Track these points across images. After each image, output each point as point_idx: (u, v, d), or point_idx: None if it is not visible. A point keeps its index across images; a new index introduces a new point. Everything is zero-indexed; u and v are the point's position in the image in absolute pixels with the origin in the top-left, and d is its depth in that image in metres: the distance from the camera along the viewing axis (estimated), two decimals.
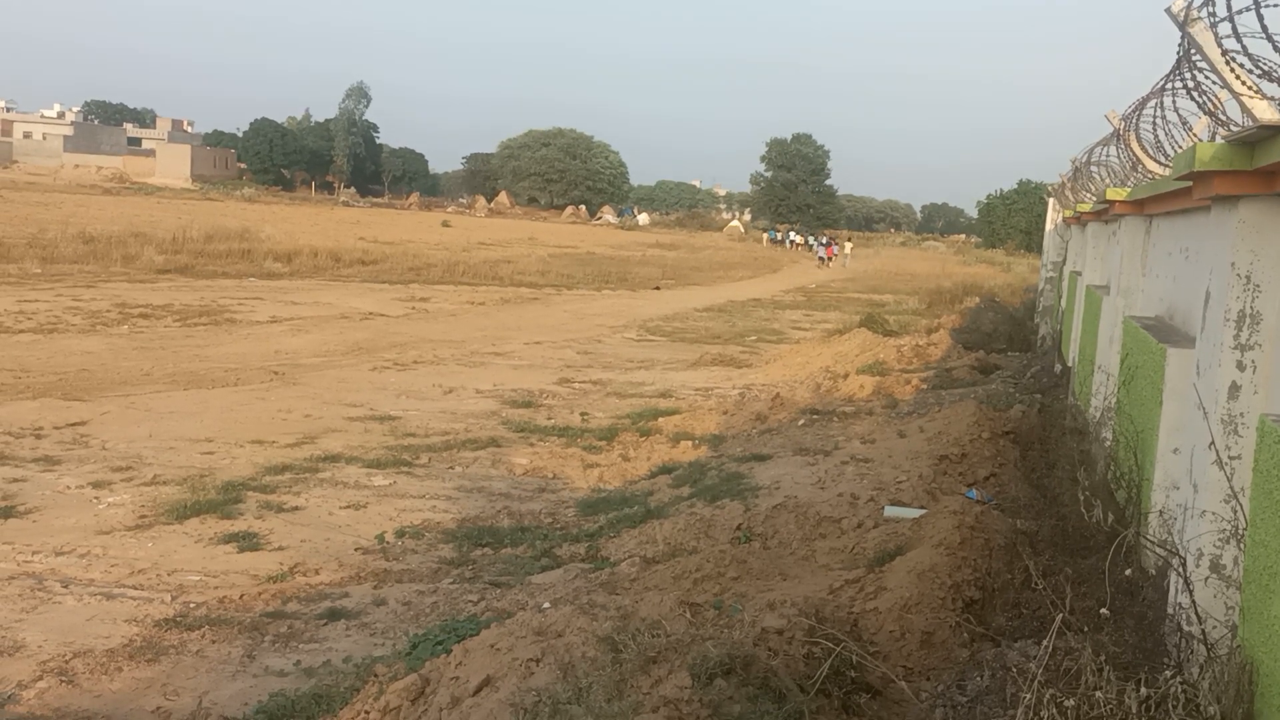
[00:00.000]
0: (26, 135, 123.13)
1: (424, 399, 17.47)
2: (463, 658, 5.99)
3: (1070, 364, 15.20)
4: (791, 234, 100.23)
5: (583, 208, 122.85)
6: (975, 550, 7.11)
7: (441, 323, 27.87)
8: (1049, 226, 26.05)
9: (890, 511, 9.03)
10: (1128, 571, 5.38)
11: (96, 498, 11.08)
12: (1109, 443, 8.98)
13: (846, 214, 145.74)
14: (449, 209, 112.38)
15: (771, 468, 12.07)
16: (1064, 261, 21.96)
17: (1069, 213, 18.81)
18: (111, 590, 8.62)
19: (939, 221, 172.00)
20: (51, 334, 21.32)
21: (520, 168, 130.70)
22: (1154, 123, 7.89)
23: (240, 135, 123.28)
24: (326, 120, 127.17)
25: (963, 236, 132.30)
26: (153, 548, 9.70)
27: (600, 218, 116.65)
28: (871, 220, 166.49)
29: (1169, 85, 6.67)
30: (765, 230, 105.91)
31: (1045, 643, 4.17)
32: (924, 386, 17.28)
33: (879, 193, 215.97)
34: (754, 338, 28.79)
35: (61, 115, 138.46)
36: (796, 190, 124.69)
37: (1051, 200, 25.86)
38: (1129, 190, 10.17)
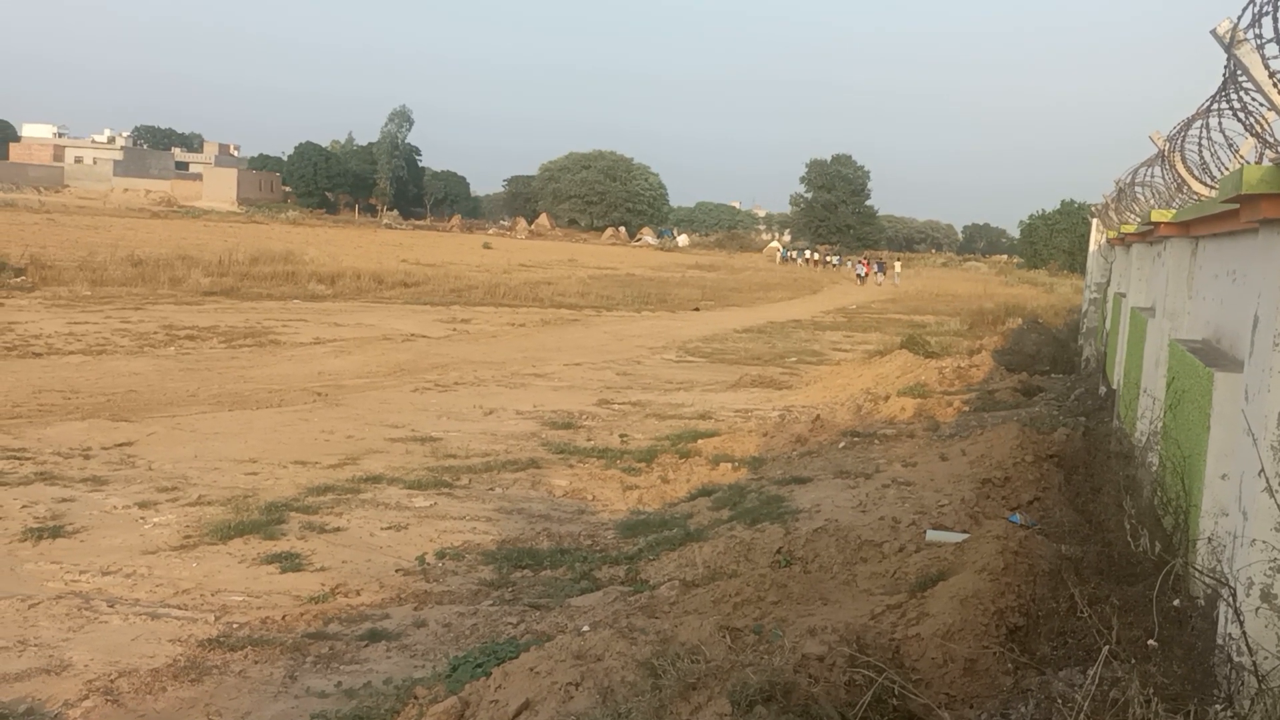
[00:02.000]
0: (78, 160, 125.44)
1: (465, 420, 17.55)
2: (502, 681, 5.98)
3: (1115, 387, 15.01)
4: (806, 251, 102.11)
5: (622, 229, 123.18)
6: (1019, 576, 7.02)
7: (482, 344, 28.03)
8: (1092, 247, 25.79)
9: (932, 535, 8.93)
10: (1176, 601, 5.29)
11: (142, 518, 11.22)
12: (1155, 468, 8.85)
13: (887, 235, 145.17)
14: (490, 231, 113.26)
15: (812, 490, 11.99)
16: (1108, 283, 21.71)
17: (1113, 234, 18.61)
18: (156, 610, 8.71)
19: (980, 242, 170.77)
20: (100, 355, 21.66)
21: (560, 190, 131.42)
22: (1200, 144, 7.80)
23: (285, 159, 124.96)
24: (369, 143, 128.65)
25: (1004, 257, 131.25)
26: (197, 568, 9.79)
27: (640, 239, 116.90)
28: (912, 241, 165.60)
29: (1215, 106, 6.60)
30: (779, 250, 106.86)
31: (1092, 672, 4.11)
32: (966, 409, 17.12)
33: (920, 213, 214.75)
34: (794, 359, 28.69)
35: (112, 140, 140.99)
36: (836, 211, 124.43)
37: (1095, 221, 25.60)
38: (1174, 212, 10.04)
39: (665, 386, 22.58)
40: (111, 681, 7.37)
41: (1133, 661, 4.52)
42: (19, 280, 31.97)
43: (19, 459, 13.21)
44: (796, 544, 9.23)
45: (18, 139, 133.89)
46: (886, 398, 18.89)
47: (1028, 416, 14.62)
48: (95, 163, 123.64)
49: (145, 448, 14.25)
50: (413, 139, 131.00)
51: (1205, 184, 8.32)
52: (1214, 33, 5.08)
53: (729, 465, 14.39)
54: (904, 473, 12.13)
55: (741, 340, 32.74)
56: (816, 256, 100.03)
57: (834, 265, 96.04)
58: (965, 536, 8.59)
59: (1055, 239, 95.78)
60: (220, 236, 60.75)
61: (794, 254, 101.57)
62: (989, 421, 15.07)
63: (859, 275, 77.71)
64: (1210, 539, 6.16)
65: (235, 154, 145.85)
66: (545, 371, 23.68)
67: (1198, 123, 7.71)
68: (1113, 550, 7.57)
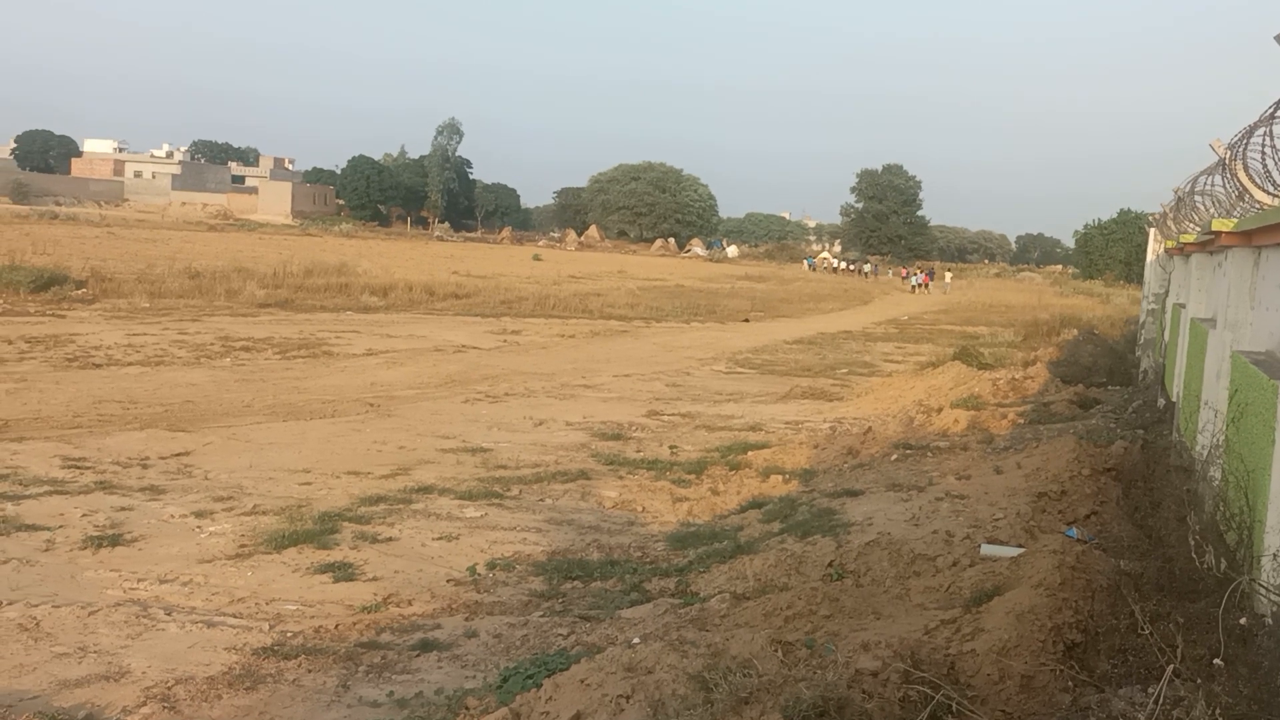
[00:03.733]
0: (137, 174, 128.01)
1: (515, 431, 17.63)
2: (553, 693, 5.98)
3: (1174, 399, 14.74)
4: (834, 260, 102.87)
5: (672, 240, 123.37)
6: (1077, 591, 6.90)
7: (532, 355, 28.15)
8: (1150, 257, 25.39)
9: (987, 550, 8.82)
10: (1242, 619, 5.17)
11: (199, 527, 11.37)
12: (1217, 482, 8.67)
13: (939, 245, 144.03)
14: (540, 242, 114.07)
15: (864, 503, 11.89)
16: (1166, 293, 21.36)
17: (1171, 243, 18.31)
18: (212, 618, 8.82)
19: (1034, 252, 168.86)
20: (158, 366, 22.03)
21: (610, 201, 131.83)
22: (1262, 151, 7.65)
23: (339, 172, 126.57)
24: (421, 157, 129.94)
25: (1059, 267, 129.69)
26: (252, 577, 9.90)
27: (689, 250, 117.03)
28: (965, 251, 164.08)
29: (1278, 113, 6.47)
30: (807, 259, 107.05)
31: (1156, 691, 4.02)
32: (1021, 421, 16.90)
33: (972, 223, 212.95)
34: (845, 370, 28.50)
35: (170, 155, 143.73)
36: (888, 221, 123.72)
37: (1153, 230, 25.21)
38: (1236, 221, 9.86)
39: (715, 398, 22.52)
40: (169, 689, 7.47)
41: (1197, 681, 4.42)
42: (80, 292, 32.62)
43: (79, 468, 13.45)
44: (848, 557, 9.15)
45: (79, 154, 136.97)
46: (939, 410, 18.70)
47: (1084, 429, 14.40)
48: (154, 177, 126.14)
49: (202, 457, 14.46)
50: (464, 152, 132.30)
51: (1268, 192, 8.16)
52: (1277, 38, 4.99)
53: (779, 477, 14.31)
54: (957, 486, 11.99)
55: (792, 351, 32.59)
56: (846, 265, 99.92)
57: (870, 274, 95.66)
58: (1021, 551, 8.46)
59: (1111, 249, 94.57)
60: (275, 249, 61.62)
61: (818, 264, 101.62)
62: (1044, 434, 14.86)
63: (914, 285, 77.63)
64: (1276, 555, 6.02)
65: (290, 168, 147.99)
66: (595, 383, 23.72)
67: (1260, 130, 7.57)
68: (1174, 566, 7.42)
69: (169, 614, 8.85)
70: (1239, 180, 8.94)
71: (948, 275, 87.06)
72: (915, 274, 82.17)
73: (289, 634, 8.55)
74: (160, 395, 18.80)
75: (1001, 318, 48.10)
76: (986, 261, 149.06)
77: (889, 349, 35.28)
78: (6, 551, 10.21)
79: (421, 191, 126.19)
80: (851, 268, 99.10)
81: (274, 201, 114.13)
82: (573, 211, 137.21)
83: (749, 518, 12.14)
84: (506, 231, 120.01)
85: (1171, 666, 4.13)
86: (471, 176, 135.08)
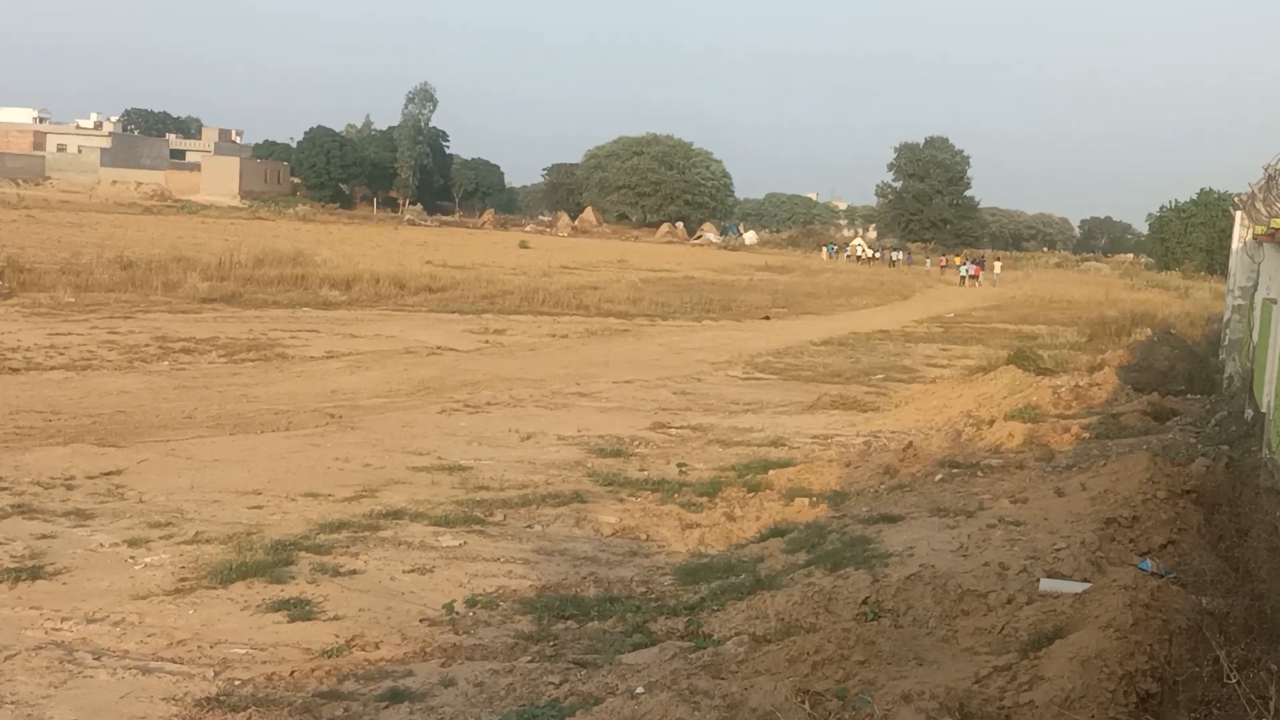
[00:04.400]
0: (60, 148, 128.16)
1: (499, 446, 17.66)
2: None
3: (1265, 410, 14.74)
4: (862, 249, 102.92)
5: (680, 225, 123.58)
6: (1151, 633, 6.91)
7: (518, 358, 28.21)
8: (1235, 245, 25.41)
9: (1047, 585, 8.82)
10: None
11: (132, 557, 11.38)
12: None
13: (990, 230, 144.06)
14: (527, 228, 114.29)
15: (903, 531, 11.90)
16: (1255, 286, 21.37)
17: (1260, 229, 18.31)
18: (148, 663, 8.83)
19: (1101, 238, 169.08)
20: (85, 371, 22.08)
21: (608, 180, 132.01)
22: None
23: (294, 146, 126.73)
24: (389, 128, 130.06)
25: (1130, 256, 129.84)
26: (194, 615, 9.92)
27: (700, 237, 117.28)
28: (1020, 237, 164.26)
29: None
30: (826, 246, 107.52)
31: None
32: (1085, 435, 16.91)
33: (1029, 205, 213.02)
34: (881, 376, 28.54)
35: (99, 126, 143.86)
36: (930, 203, 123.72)
37: (1239, 214, 25.22)
38: None
39: (731, 408, 22.56)
40: None
41: None
42: None
43: None
44: (886, 593, 9.16)
45: None
46: (991, 422, 18.71)
47: (1159, 445, 14.41)
48: (80, 151, 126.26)
49: (135, 477, 14.48)
50: (439, 123, 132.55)
51: None
52: None
53: (805, 500, 14.32)
54: (1012, 510, 12.00)
55: (820, 354, 32.66)
56: (871, 253, 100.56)
57: (900, 262, 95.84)
58: (1086, 586, 8.47)
59: (1190, 235, 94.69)
60: (220, 235, 61.81)
61: (837, 251, 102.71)
62: (1113, 450, 14.86)
63: (964, 277, 77.74)
64: None
65: (237, 141, 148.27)
66: (591, 390, 23.76)
67: None
68: (1264, 604, 7.42)
69: (98, 658, 8.86)
70: None
71: (997, 265, 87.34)
72: (965, 264, 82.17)
73: (237, 682, 8.56)
74: (87, 405, 18.84)
75: (1063, 315, 48.15)
76: (1045, 249, 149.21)
77: (932, 351, 35.32)
78: None
79: (390, 168, 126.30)
80: (878, 256, 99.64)
81: (219, 180, 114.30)
82: (565, 192, 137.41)
83: (770, 547, 12.15)
84: (489, 214, 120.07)
85: None
86: (448, 151, 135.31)
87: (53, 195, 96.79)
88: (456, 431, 18.65)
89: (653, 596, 10.86)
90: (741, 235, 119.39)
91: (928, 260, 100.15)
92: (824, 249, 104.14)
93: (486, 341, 30.85)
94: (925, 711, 5.68)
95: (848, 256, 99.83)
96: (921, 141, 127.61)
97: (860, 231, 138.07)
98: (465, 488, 14.88)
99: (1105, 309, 45.85)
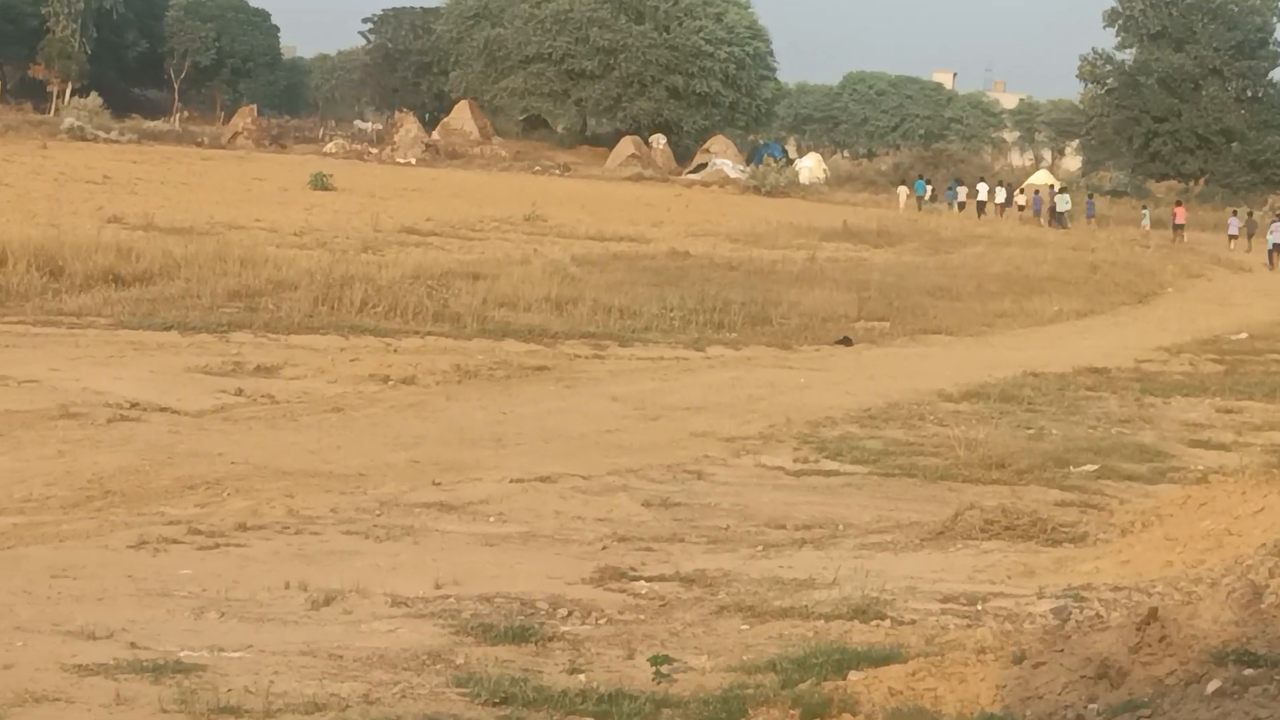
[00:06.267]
0: None
1: (261, 621, 6.55)
2: None
3: None
4: (982, 189, 56.49)
5: (660, 141, 67.78)
6: None
7: (307, 428, 13.97)
8: None
9: None
10: None
11: None
12: None
13: None
14: (327, 146, 64.52)
15: None
16: None
17: None
18: None
19: None
20: None
21: (504, 44, 72.63)
22: None
23: None
24: None
25: None
26: None
27: (705, 166, 63.96)
28: None
29: None
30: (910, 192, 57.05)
31: None
32: None
33: None
34: (1092, 468, 15.62)
35: None
36: (1201, 89, 65.52)
37: None
38: None
39: (767, 536, 9.01)
40: None
41: None
42: None
43: None
44: None
45: None
46: None
47: None
48: None
49: None
50: None
51: None
52: None
53: None
54: None
55: (959, 419, 18.32)
56: (1004, 200, 56.31)
57: (1059, 221, 50.88)
58: None
59: None
60: None
61: (930, 194, 57.13)
62: None
63: (1272, 247, 41.77)
64: None
65: None
66: (467, 498, 12.70)
67: None
68: None
69: None
70: None
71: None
72: (1275, 224, 43.58)
73: None
74: None
75: None
76: None
77: (1200, 412, 22.88)
78: None
79: (28, 20, 69.17)
80: (1022, 208, 54.98)
81: None
82: (411, 70, 79.07)
83: None
84: (248, 117, 65.33)
85: None
86: None
87: None
88: (172, 587, 7.42)
89: None
90: (791, 163, 67.75)
91: (1145, 214, 51.88)
92: (902, 190, 57.02)
93: (239, 391, 15.19)
94: None
95: (961, 205, 55.02)
96: None
97: (1054, 155, 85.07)
98: (188, 712, 6.03)
99: None
